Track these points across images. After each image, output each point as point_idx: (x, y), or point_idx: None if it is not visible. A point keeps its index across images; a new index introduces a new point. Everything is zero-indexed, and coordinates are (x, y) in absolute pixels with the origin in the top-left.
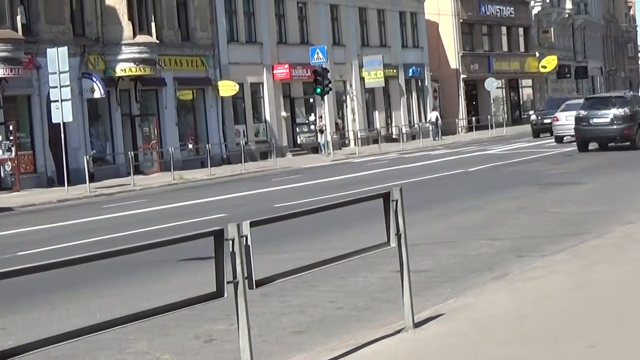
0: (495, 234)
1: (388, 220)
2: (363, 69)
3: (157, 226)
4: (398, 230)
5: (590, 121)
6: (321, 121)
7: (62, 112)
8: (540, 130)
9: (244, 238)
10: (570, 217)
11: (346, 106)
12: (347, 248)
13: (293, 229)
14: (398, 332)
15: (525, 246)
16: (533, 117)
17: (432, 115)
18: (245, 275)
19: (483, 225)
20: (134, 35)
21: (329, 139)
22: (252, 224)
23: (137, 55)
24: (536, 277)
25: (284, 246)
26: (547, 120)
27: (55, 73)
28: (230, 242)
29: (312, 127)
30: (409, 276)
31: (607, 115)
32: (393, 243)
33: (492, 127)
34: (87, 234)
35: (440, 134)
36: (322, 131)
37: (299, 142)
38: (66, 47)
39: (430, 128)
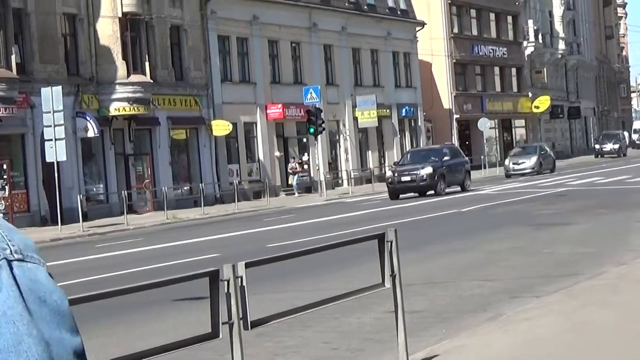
0: (488, 274)
1: (383, 261)
2: (356, 109)
3: (151, 266)
4: (393, 271)
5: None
6: (293, 162)
7: (56, 151)
8: (398, 191)
9: (239, 279)
10: (563, 257)
11: (339, 146)
12: (341, 289)
13: (287, 269)
14: None
15: (518, 287)
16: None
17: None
18: (241, 316)
19: (476, 265)
20: (128, 75)
21: (322, 178)
22: (247, 265)
23: (131, 95)
24: (530, 318)
25: (278, 286)
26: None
27: (50, 112)
28: (226, 282)
29: (306, 167)
30: (403, 317)
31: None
32: (388, 284)
33: (485, 167)
34: (81, 273)
35: None
36: (294, 173)
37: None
38: (60, 87)
39: None
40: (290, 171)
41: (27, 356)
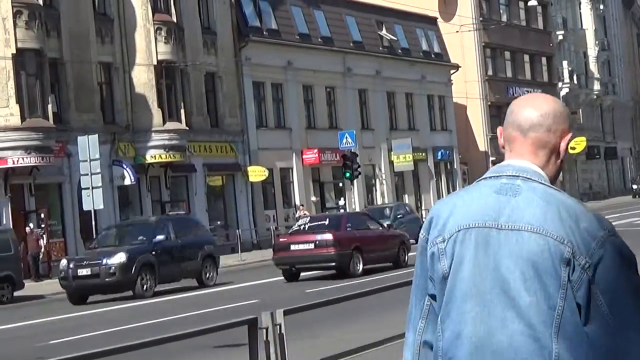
0: None
1: None
2: (392, 153)
3: (189, 313)
4: None
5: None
6: (300, 212)
7: (93, 200)
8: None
9: (278, 326)
10: None
11: (376, 190)
12: (374, 338)
13: (325, 314)
14: None
15: None
16: None
17: None
18: None
19: None
20: (164, 122)
21: None
22: (285, 313)
23: (167, 142)
24: None
25: (317, 331)
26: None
27: (86, 161)
28: (264, 330)
29: (342, 211)
30: None
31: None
32: None
33: None
34: (121, 321)
35: None
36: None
37: None
38: (97, 135)
39: None
40: (296, 218)
41: None
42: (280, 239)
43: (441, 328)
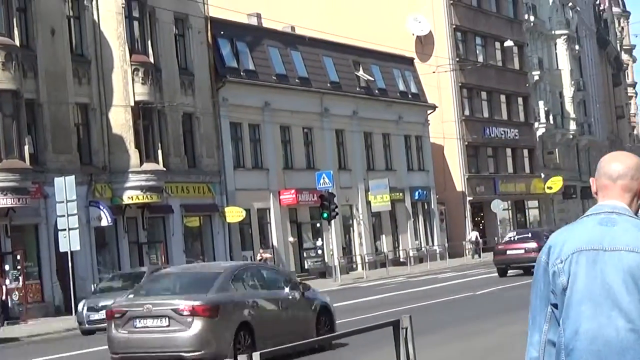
0: (508, 358)
1: (398, 347)
2: (369, 193)
3: None
4: (408, 357)
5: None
6: (261, 254)
7: (70, 241)
8: None
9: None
10: None
11: (353, 230)
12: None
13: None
14: None
15: None
16: None
17: (472, 235)
18: None
19: (494, 349)
20: (141, 163)
21: (336, 263)
22: (261, 356)
23: (144, 183)
24: None
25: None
26: None
27: (63, 202)
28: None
29: (320, 252)
30: None
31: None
32: None
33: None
34: None
35: (480, 252)
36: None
37: (306, 267)
38: (73, 176)
39: (470, 247)
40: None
41: None
42: (499, 247)
43: (562, 327)
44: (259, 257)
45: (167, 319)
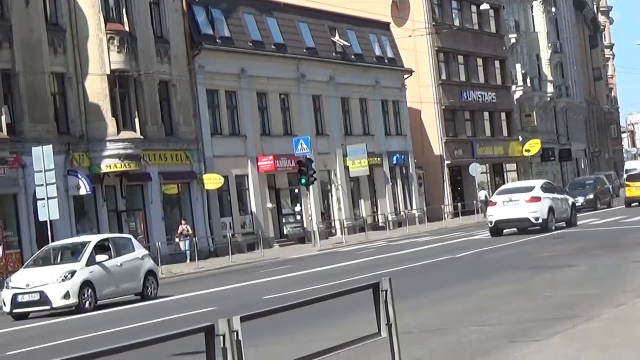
0: (487, 319)
1: (378, 310)
2: (347, 158)
3: (145, 322)
4: (388, 320)
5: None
6: (183, 225)
7: (49, 210)
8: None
9: (235, 333)
10: (562, 300)
11: (331, 195)
12: (338, 339)
13: (282, 321)
14: None
15: (517, 331)
16: None
17: (481, 194)
18: None
19: (474, 311)
20: (118, 132)
21: (315, 228)
22: (242, 319)
23: (121, 151)
24: None
25: (274, 338)
26: None
27: (41, 171)
28: (221, 337)
29: (298, 217)
30: None
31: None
32: (384, 333)
33: (478, 212)
34: (74, 332)
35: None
36: (186, 236)
37: (285, 232)
38: (51, 145)
39: (480, 206)
40: (177, 237)
41: None
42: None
43: None
44: (181, 229)
45: None
